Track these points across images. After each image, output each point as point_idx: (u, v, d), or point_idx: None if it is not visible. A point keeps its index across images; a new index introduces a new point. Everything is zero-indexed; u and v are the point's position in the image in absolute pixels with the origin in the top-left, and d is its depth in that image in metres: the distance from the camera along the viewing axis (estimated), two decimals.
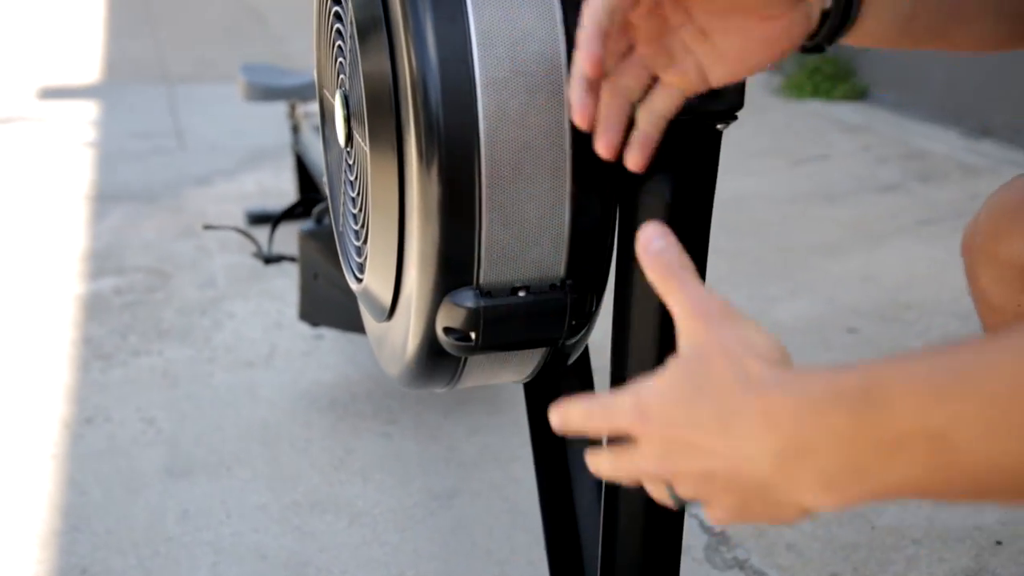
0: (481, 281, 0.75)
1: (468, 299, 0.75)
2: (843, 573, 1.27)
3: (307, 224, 1.56)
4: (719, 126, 0.74)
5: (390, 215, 0.78)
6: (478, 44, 0.71)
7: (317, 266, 1.54)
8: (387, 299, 0.82)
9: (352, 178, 0.88)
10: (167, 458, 1.57)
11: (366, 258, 0.86)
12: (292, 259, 1.66)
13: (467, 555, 1.32)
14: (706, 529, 1.36)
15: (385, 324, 0.86)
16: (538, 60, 0.71)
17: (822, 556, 1.30)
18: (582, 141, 0.71)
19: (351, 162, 0.88)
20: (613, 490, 0.83)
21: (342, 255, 0.95)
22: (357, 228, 0.88)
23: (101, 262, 2.39)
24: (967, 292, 0.89)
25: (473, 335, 0.76)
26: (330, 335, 1.97)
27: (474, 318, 0.75)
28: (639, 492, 0.69)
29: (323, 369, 1.84)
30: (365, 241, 0.86)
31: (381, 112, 0.76)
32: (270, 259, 1.64)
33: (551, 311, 0.77)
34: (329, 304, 1.63)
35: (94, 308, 2.14)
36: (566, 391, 0.94)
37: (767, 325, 1.22)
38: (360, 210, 0.86)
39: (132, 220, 2.69)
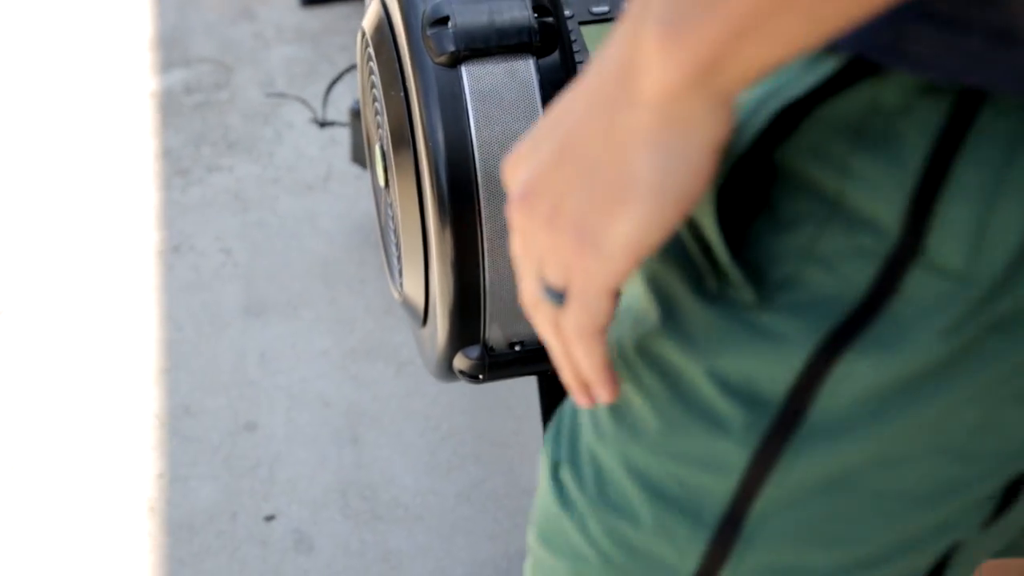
0: (487, 339, 1.01)
1: (475, 353, 1.01)
2: None
3: (356, 101, 1.77)
4: None
5: (418, 261, 1.01)
6: (475, 116, 0.92)
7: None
8: (420, 315, 1.07)
9: (392, 214, 1.11)
10: (244, 296, 1.87)
11: (403, 276, 1.10)
12: (346, 125, 1.88)
13: (490, 410, 1.64)
14: None
15: (420, 330, 1.12)
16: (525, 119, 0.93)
17: None
18: None
19: (390, 201, 1.11)
20: None
21: (386, 256, 1.20)
22: (397, 253, 1.12)
23: (168, 51, 2.60)
24: None
25: (480, 376, 1.03)
26: None
27: (481, 367, 1.02)
28: None
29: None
30: (402, 265, 1.10)
31: (406, 173, 0.98)
32: (325, 123, 1.86)
33: (545, 356, 1.03)
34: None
35: (168, 110, 2.38)
36: None
37: None
38: (398, 242, 1.10)
39: None
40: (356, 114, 1.73)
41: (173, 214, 2.07)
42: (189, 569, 1.43)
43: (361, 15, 2.73)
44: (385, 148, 1.05)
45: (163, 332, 1.79)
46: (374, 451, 1.58)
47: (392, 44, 0.95)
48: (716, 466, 0.50)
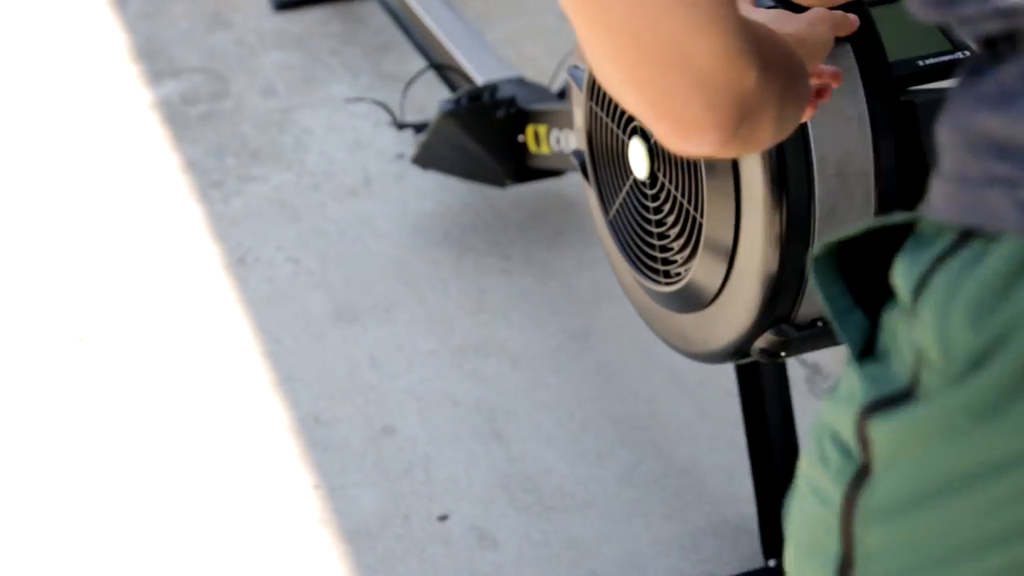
0: (797, 317, 1.06)
1: (785, 332, 1.06)
2: None
3: (447, 103, 1.78)
4: None
5: (720, 246, 1.05)
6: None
7: (456, 138, 1.78)
8: (704, 300, 1.10)
9: (655, 205, 1.14)
10: (330, 303, 1.85)
11: (676, 271, 1.13)
12: (424, 126, 1.88)
13: (618, 396, 1.68)
14: (801, 363, 1.74)
15: (686, 316, 1.15)
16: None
17: None
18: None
19: (652, 192, 1.13)
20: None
21: (619, 247, 1.22)
22: (659, 243, 1.15)
23: (152, 63, 2.52)
24: None
25: (783, 353, 1.08)
26: (408, 154, 2.20)
27: (785, 345, 1.06)
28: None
29: (422, 197, 2.10)
30: (671, 260, 1.13)
31: (721, 175, 1.01)
32: (404, 125, 1.86)
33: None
34: (450, 159, 1.87)
35: (174, 122, 2.31)
36: None
37: None
38: (669, 232, 1.13)
39: (153, 4, 2.77)
40: (450, 115, 1.74)
41: (223, 227, 2.02)
42: (381, 575, 1.42)
43: (337, 19, 2.71)
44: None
45: (262, 346, 1.76)
46: (520, 445, 1.60)
47: None
48: (823, 500, 0.57)
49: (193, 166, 2.18)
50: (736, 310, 1.06)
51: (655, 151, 1.09)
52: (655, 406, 1.66)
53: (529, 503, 1.51)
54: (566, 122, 1.61)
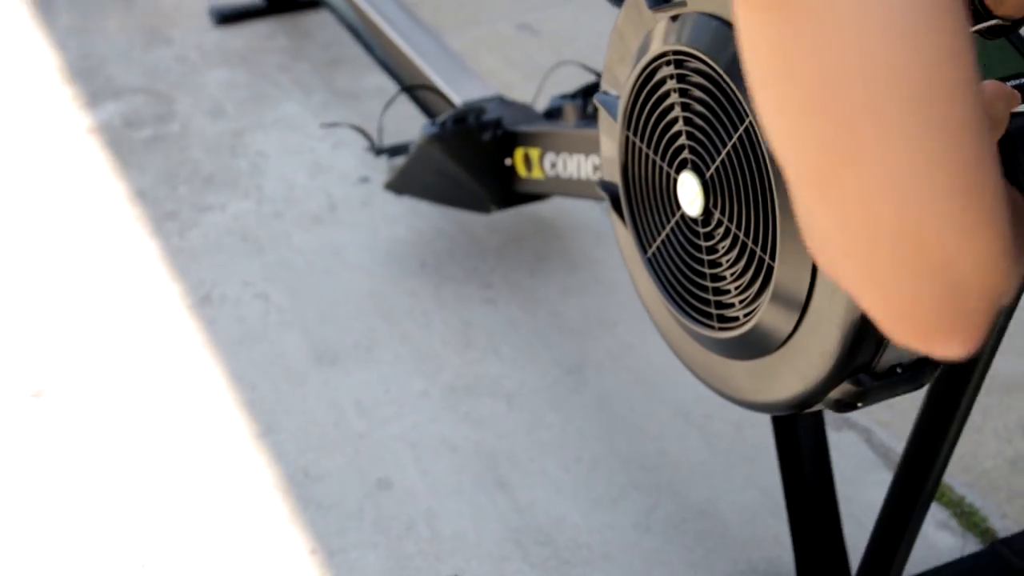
0: (878, 366, 0.97)
1: (863, 382, 0.97)
2: None
3: (430, 126, 1.66)
4: None
5: (792, 296, 0.95)
6: None
7: (440, 163, 1.67)
8: (762, 351, 1.01)
9: (709, 244, 1.04)
10: (306, 343, 1.72)
11: (733, 315, 1.03)
12: (400, 150, 1.76)
13: (623, 434, 1.58)
14: None
15: (742, 363, 1.05)
16: None
17: (912, 408, 1.63)
18: None
19: (706, 231, 1.03)
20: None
21: (661, 286, 1.11)
22: (712, 284, 1.05)
23: (88, 83, 2.36)
24: None
25: (860, 404, 0.99)
26: (376, 178, 2.08)
27: (864, 395, 0.97)
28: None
29: (392, 223, 1.98)
30: (727, 304, 1.03)
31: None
32: (382, 151, 1.74)
33: (923, 373, 0.98)
34: (431, 185, 1.76)
35: (118, 148, 2.16)
36: None
37: None
38: (725, 274, 1.03)
39: (84, 18, 2.60)
40: (434, 139, 1.63)
41: (183, 262, 1.88)
42: None
43: (283, 33, 2.57)
44: (723, 173, 0.98)
45: (237, 394, 1.63)
46: (527, 493, 1.49)
47: None
48: None
49: (143, 196, 2.03)
50: (808, 359, 0.96)
51: (712, 186, 0.99)
52: (663, 443, 1.57)
53: (545, 557, 1.41)
54: (564, 146, 1.51)
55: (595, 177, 1.44)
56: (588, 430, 1.59)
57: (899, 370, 0.97)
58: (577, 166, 1.47)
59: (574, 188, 1.48)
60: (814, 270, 0.93)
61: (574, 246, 1.93)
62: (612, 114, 1.12)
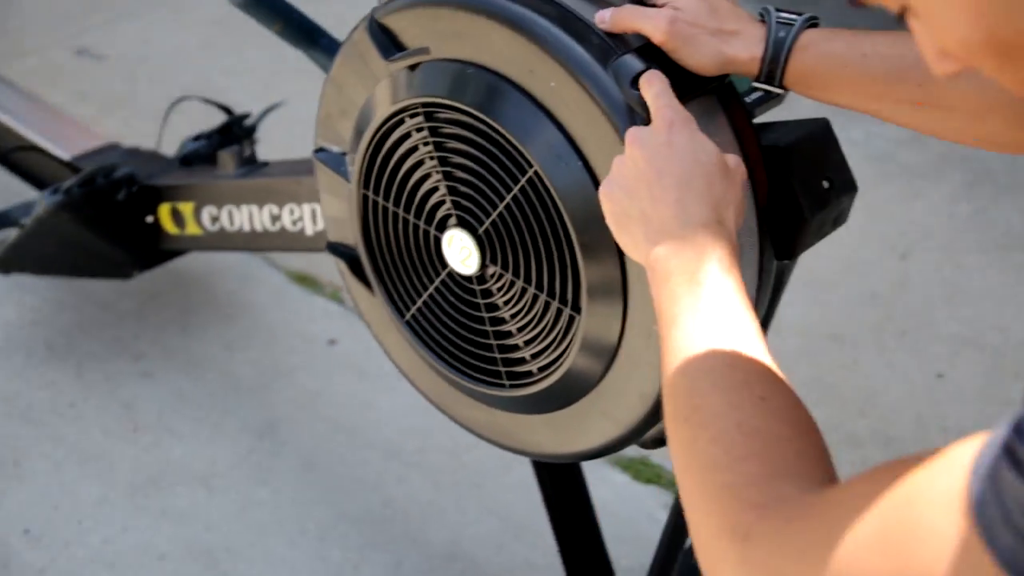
0: None
1: None
2: None
3: (51, 194, 1.42)
4: None
5: (599, 345, 0.89)
6: None
7: (68, 233, 1.44)
8: (563, 402, 0.94)
9: (487, 301, 0.94)
10: None
11: (525, 370, 0.95)
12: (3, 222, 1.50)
13: (340, 489, 1.46)
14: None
15: (538, 417, 0.98)
16: None
17: None
18: None
19: (483, 288, 0.94)
20: None
21: (427, 348, 1.01)
22: (497, 342, 0.96)
23: None
24: None
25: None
26: None
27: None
28: None
29: (1, 305, 1.70)
30: (516, 360, 0.95)
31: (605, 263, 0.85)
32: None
33: None
34: (48, 258, 1.53)
35: None
36: None
37: None
38: (512, 328, 0.94)
39: None
40: (62, 208, 1.39)
41: None
42: None
43: None
44: (501, 228, 0.89)
45: None
46: None
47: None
48: None
49: None
50: (625, 403, 0.91)
51: (489, 242, 0.91)
52: (386, 491, 1.47)
53: None
54: (227, 198, 1.35)
55: (278, 228, 1.30)
56: (303, 496, 1.46)
57: None
58: (249, 218, 1.32)
59: (251, 242, 1.33)
60: (624, 315, 0.88)
61: (221, 293, 1.76)
62: (339, 172, 1.00)
